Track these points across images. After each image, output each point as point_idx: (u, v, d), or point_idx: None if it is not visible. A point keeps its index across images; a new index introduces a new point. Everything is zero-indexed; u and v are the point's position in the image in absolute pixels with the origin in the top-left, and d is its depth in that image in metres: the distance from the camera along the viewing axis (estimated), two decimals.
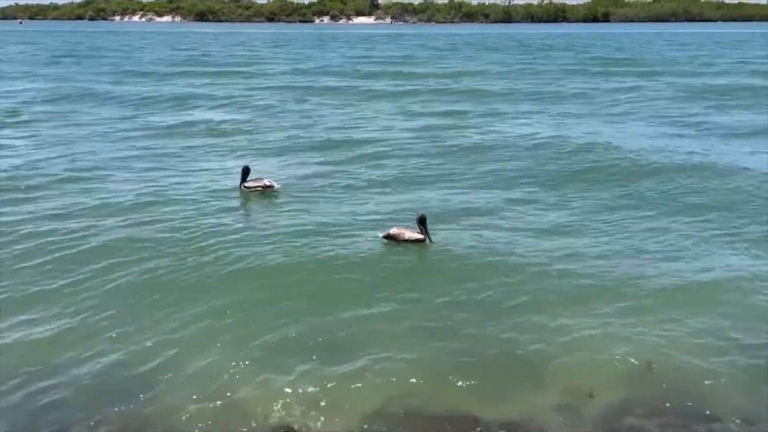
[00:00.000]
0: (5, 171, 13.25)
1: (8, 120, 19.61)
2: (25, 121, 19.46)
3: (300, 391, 5.94)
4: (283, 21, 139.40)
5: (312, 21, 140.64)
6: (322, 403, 5.79)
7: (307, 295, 7.71)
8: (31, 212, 10.62)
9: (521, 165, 13.83)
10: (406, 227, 9.20)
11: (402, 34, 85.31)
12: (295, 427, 5.51)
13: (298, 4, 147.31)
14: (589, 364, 6.32)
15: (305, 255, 8.82)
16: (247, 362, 6.36)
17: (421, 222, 9.06)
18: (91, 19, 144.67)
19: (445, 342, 6.71)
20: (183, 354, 6.48)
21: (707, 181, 12.51)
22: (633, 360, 6.36)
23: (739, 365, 6.28)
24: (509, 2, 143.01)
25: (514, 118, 20.22)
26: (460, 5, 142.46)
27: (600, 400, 5.86)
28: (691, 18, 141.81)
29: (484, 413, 5.66)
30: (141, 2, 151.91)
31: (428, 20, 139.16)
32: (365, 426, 5.56)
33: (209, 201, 11.33)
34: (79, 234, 9.61)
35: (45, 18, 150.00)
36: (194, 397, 5.86)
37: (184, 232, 9.72)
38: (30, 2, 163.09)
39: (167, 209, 10.76)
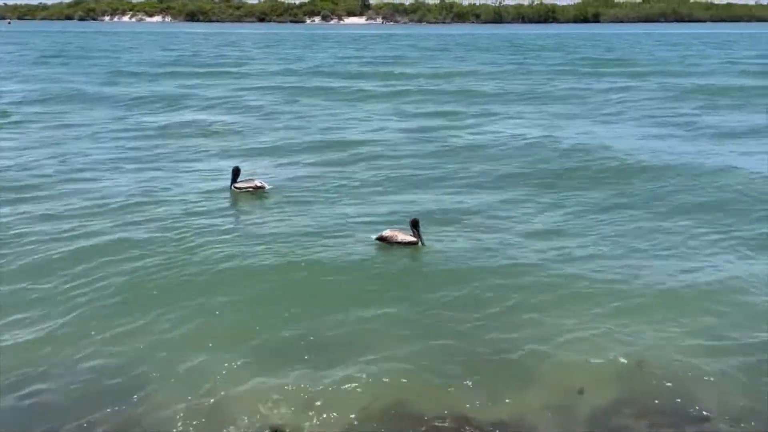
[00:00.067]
0: None
1: None
2: (15, 122, 19.33)
3: (291, 391, 5.93)
4: (274, 21, 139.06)
5: (303, 21, 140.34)
6: (314, 404, 5.78)
7: (297, 296, 7.69)
8: (21, 213, 10.55)
9: (513, 166, 13.84)
10: (399, 230, 9.19)
11: (393, 35, 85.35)
12: (286, 429, 5.49)
13: (289, 4, 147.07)
14: (579, 364, 6.34)
15: (296, 257, 8.79)
16: (238, 363, 6.34)
17: (414, 225, 9.07)
18: (81, 19, 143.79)
19: (437, 343, 6.72)
20: (174, 355, 6.46)
21: (698, 181, 12.57)
22: (623, 359, 6.40)
23: (728, 364, 6.32)
24: (500, 3, 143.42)
25: (506, 119, 20.26)
26: (451, 5, 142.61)
27: (591, 399, 5.89)
28: (680, 18, 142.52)
29: (476, 413, 5.67)
30: (131, 2, 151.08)
31: (419, 20, 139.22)
32: (356, 426, 5.55)
33: (200, 202, 11.29)
34: (70, 235, 9.56)
35: (34, 18, 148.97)
36: (185, 397, 5.84)
37: (175, 232, 9.68)
38: (18, 2, 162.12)
39: (158, 210, 10.72)
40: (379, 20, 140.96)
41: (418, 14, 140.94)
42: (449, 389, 5.98)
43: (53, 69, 35.60)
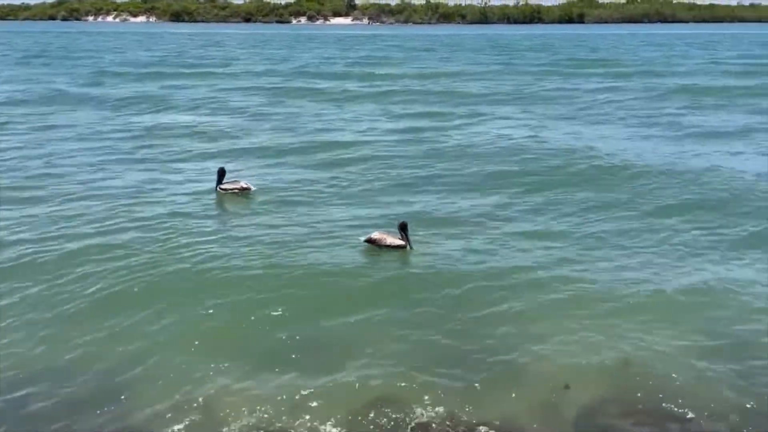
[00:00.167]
0: None
1: None
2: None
3: (279, 394, 5.91)
4: (260, 21, 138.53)
5: (289, 21, 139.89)
6: (302, 406, 5.76)
7: (284, 299, 7.64)
8: (5, 215, 10.42)
9: (501, 168, 13.81)
10: (388, 233, 9.17)
11: (379, 35, 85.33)
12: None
13: (274, 4, 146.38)
14: (567, 364, 6.39)
15: (282, 258, 8.76)
16: (225, 365, 6.30)
17: (403, 228, 9.06)
18: (64, 19, 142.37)
19: (425, 345, 6.73)
20: (161, 358, 6.42)
21: (683, 182, 12.65)
22: (610, 359, 6.45)
23: (713, 364, 6.39)
24: (485, 3, 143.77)
25: (493, 120, 20.28)
26: (437, 6, 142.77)
27: (577, 397, 5.93)
28: (663, 19, 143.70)
29: (466, 413, 5.70)
30: (115, 2, 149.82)
31: (405, 21, 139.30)
32: (345, 429, 5.54)
33: (186, 203, 11.21)
34: (56, 236, 9.47)
35: (16, 18, 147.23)
36: (173, 400, 5.82)
37: (161, 233, 9.64)
38: (0, 2, 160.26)
39: (143, 212, 10.63)
40: (365, 21, 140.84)
41: (404, 15, 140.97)
42: (438, 391, 5.98)
43: (36, 69, 35.21)
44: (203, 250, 8.99)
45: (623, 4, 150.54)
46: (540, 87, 28.95)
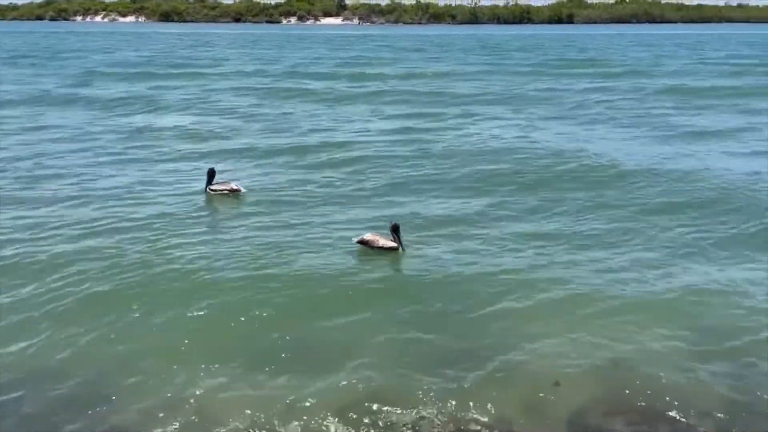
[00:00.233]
0: None
1: None
2: None
3: (271, 395, 5.89)
4: (250, 21, 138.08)
5: (279, 21, 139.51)
6: (294, 408, 5.74)
7: (276, 301, 7.61)
8: None
9: (492, 170, 13.73)
10: (380, 234, 9.15)
11: (370, 35, 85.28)
12: None
13: (264, 4, 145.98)
14: (557, 364, 6.41)
15: (273, 260, 8.72)
16: (216, 366, 6.27)
17: (395, 230, 9.04)
18: (52, 19, 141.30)
19: (417, 347, 6.72)
20: (151, 361, 6.37)
21: (674, 183, 12.64)
22: (600, 359, 6.48)
23: (702, 364, 6.42)
24: (475, 4, 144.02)
25: (484, 121, 20.24)
26: (427, 6, 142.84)
27: (567, 397, 5.95)
28: (651, 19, 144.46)
29: (457, 413, 5.71)
30: (104, 2, 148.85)
31: (396, 21, 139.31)
32: (337, 430, 5.53)
33: (175, 205, 11.14)
34: (46, 239, 9.39)
35: (4, 18, 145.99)
36: (163, 403, 5.78)
37: (150, 233, 9.60)
38: None
39: (132, 213, 10.56)
40: (356, 21, 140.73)
41: (394, 15, 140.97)
42: (430, 390, 5.98)
43: (24, 70, 34.92)
44: (193, 252, 8.94)
45: (612, 4, 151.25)
46: (530, 87, 29.01)
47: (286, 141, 16.84)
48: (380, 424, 5.59)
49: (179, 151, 15.67)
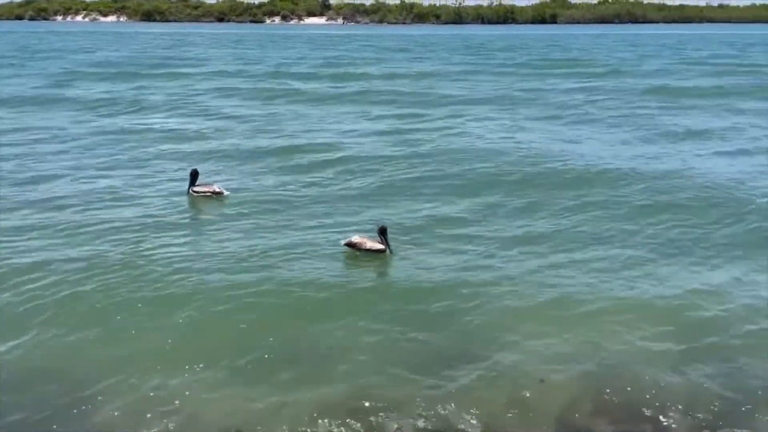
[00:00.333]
0: None
1: None
2: None
3: (255, 401, 5.83)
4: (234, 21, 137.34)
5: (263, 21, 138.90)
6: (278, 413, 5.69)
7: (261, 306, 7.51)
8: None
9: (479, 172, 13.60)
10: (368, 236, 9.06)
11: (354, 35, 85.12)
12: None
13: (248, 4, 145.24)
14: (543, 365, 6.44)
15: (258, 264, 8.61)
16: (201, 373, 6.18)
17: (382, 232, 8.97)
18: (32, 19, 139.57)
19: (404, 350, 6.68)
20: (136, 367, 6.29)
21: (661, 185, 12.59)
22: (585, 361, 6.51)
23: (684, 366, 6.48)
24: (460, 4, 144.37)
25: (470, 122, 20.13)
26: (412, 6, 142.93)
27: (553, 397, 5.99)
28: (634, 19, 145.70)
29: (444, 414, 5.72)
30: (84, 2, 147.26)
31: (380, 21, 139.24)
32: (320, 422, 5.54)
33: (157, 208, 10.99)
34: (27, 243, 9.21)
35: None
36: (147, 408, 5.72)
37: (132, 238, 9.45)
38: None
39: (114, 218, 10.40)
40: (340, 20, 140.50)
41: (378, 15, 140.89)
42: (417, 393, 5.98)
43: (4, 70, 34.36)
44: (177, 255, 8.82)
45: (595, 4, 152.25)
46: (516, 87, 29.05)
47: (271, 142, 16.67)
48: (369, 425, 5.57)
49: (162, 152, 15.47)
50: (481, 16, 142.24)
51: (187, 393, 5.94)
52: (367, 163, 14.29)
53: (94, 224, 10.05)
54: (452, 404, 5.83)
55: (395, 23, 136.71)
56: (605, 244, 9.57)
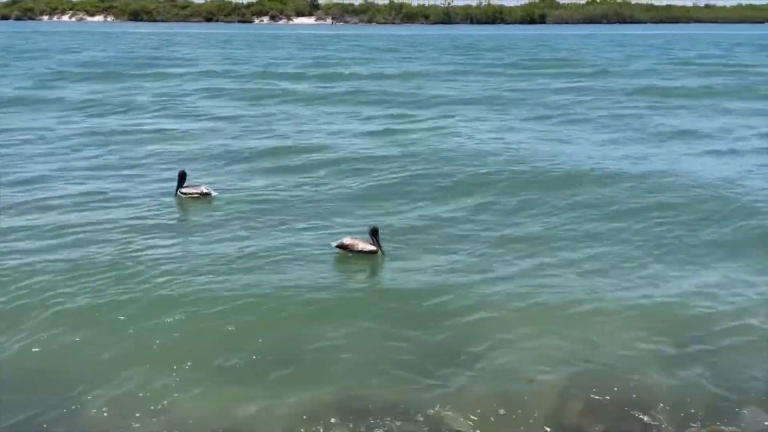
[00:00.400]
0: None
1: None
2: None
3: (244, 404, 5.79)
4: (222, 21, 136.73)
5: (251, 21, 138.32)
6: (268, 416, 5.67)
7: (250, 309, 7.45)
8: None
9: (470, 174, 13.42)
10: (359, 238, 9.00)
11: (343, 35, 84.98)
12: None
13: (236, 4, 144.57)
14: (533, 367, 6.45)
15: (248, 267, 8.55)
16: (188, 377, 6.13)
17: (374, 234, 8.93)
18: (18, 18, 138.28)
19: (394, 350, 6.66)
20: (124, 370, 6.24)
21: (651, 186, 12.52)
22: (575, 362, 6.53)
23: (672, 366, 6.50)
24: (449, 4, 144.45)
25: (460, 123, 20.01)
26: (401, 6, 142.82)
27: (541, 395, 6.03)
28: (622, 20, 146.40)
29: (433, 415, 5.73)
30: (71, 1, 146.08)
31: (369, 21, 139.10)
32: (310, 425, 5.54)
33: (145, 210, 10.91)
34: (12, 246, 9.08)
35: None
36: (135, 411, 5.68)
37: (119, 240, 9.35)
38: None
39: (101, 220, 10.29)
40: (329, 20, 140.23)
41: (367, 15, 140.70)
42: (408, 395, 5.97)
43: None
44: (165, 258, 8.75)
45: (583, 5, 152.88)
46: (505, 87, 29.09)
47: (260, 143, 16.58)
48: (359, 427, 5.57)
49: (150, 153, 15.35)
50: (470, 16, 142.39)
51: (176, 394, 5.91)
52: (357, 164, 14.23)
53: (82, 226, 9.95)
54: (443, 405, 5.84)
55: (384, 23, 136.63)
56: (595, 244, 9.59)
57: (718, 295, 7.99)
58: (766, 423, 5.72)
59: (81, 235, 9.56)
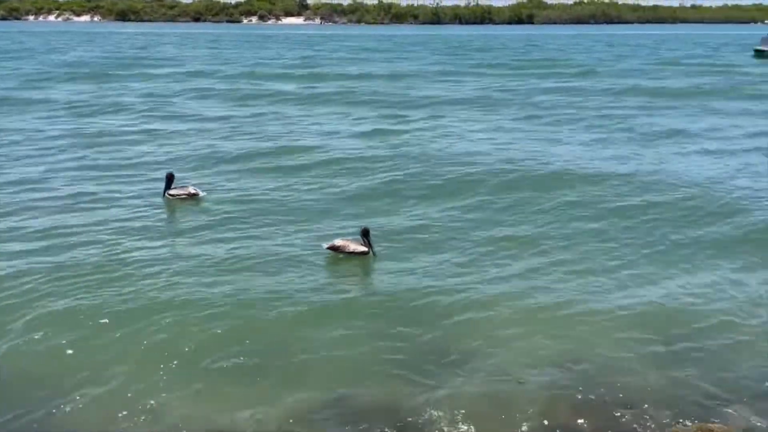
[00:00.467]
0: None
1: None
2: None
3: (230, 407, 5.77)
4: (210, 21, 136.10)
5: (240, 21, 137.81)
6: (254, 418, 5.64)
7: (237, 311, 7.40)
8: None
9: (461, 176, 13.39)
10: (351, 239, 8.98)
11: (332, 35, 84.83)
12: None
13: (224, 3, 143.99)
14: (518, 363, 6.52)
15: (236, 268, 8.51)
16: (175, 380, 6.10)
17: (365, 234, 8.91)
18: (3, 18, 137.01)
19: (385, 352, 6.65)
20: (112, 374, 6.20)
21: (640, 188, 12.57)
22: (563, 362, 6.57)
23: (657, 367, 6.55)
24: (437, 4, 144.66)
25: (450, 124, 20.02)
26: (390, 6, 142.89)
27: (529, 393, 6.06)
28: (609, 20, 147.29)
29: (421, 415, 5.74)
30: (57, 1, 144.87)
31: (358, 21, 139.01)
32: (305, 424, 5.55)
33: (132, 212, 10.83)
34: (3, 251, 8.99)
35: None
36: (124, 414, 5.66)
37: (107, 242, 9.27)
38: None
39: (88, 223, 10.19)
40: (318, 21, 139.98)
41: (356, 15, 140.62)
42: (397, 395, 5.98)
43: None
44: (152, 261, 8.69)
45: (571, 5, 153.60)
46: (494, 87, 29.14)
47: (249, 144, 16.50)
48: (348, 430, 5.56)
49: (137, 154, 15.24)
50: (458, 17, 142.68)
51: (163, 395, 5.90)
52: (347, 165, 14.20)
53: (69, 227, 9.86)
54: (433, 406, 5.84)
55: (373, 23, 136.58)
56: (584, 244, 9.61)
57: (706, 294, 8.04)
58: (752, 420, 5.78)
59: (68, 237, 9.47)
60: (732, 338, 7.08)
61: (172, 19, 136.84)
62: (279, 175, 13.37)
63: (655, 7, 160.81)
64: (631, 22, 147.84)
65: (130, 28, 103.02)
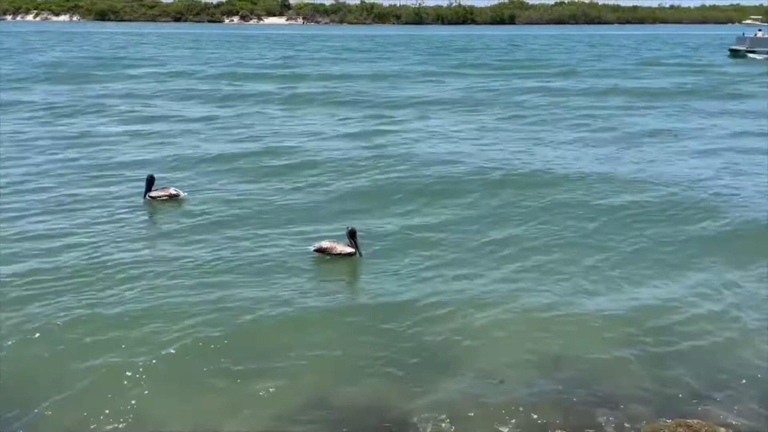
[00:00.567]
0: None
1: None
2: None
3: (214, 410, 5.73)
4: (191, 21, 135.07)
5: (221, 21, 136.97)
6: (241, 421, 5.62)
7: (221, 314, 7.31)
8: None
9: (446, 178, 13.28)
10: (337, 241, 8.91)
11: (314, 35, 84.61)
12: None
13: (206, 3, 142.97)
14: (502, 362, 6.56)
15: (219, 270, 8.43)
16: (158, 384, 6.00)
17: (351, 235, 8.85)
18: None
19: (369, 354, 6.63)
20: (94, 380, 6.11)
21: (625, 190, 12.54)
22: (542, 357, 6.65)
23: (640, 367, 6.59)
24: (420, 4, 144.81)
25: (436, 125, 20.01)
26: (372, 6, 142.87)
27: (512, 391, 6.10)
28: (589, 21, 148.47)
29: (408, 413, 5.76)
30: (35, 0, 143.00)
31: (340, 21, 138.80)
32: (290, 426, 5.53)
33: (113, 216, 10.66)
34: None
35: None
36: (105, 419, 5.58)
37: (87, 245, 9.12)
38: None
39: (68, 227, 10.03)
40: (300, 20, 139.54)
41: (339, 15, 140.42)
42: (383, 395, 5.98)
43: None
44: (132, 265, 8.56)
45: (552, 6, 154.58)
46: (478, 88, 29.23)
47: (232, 145, 16.35)
48: (330, 415, 5.64)
49: (118, 155, 15.05)
50: (441, 17, 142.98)
51: (145, 399, 5.84)
52: (332, 166, 14.12)
53: (48, 231, 9.70)
54: (416, 407, 5.84)
55: (355, 23, 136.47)
56: (567, 246, 9.62)
57: (688, 293, 8.09)
58: (730, 416, 5.82)
59: (47, 240, 9.31)
60: (713, 337, 7.13)
61: (153, 18, 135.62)
62: (263, 176, 13.24)
63: (635, 8, 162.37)
64: (612, 23, 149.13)
65: (110, 27, 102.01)
